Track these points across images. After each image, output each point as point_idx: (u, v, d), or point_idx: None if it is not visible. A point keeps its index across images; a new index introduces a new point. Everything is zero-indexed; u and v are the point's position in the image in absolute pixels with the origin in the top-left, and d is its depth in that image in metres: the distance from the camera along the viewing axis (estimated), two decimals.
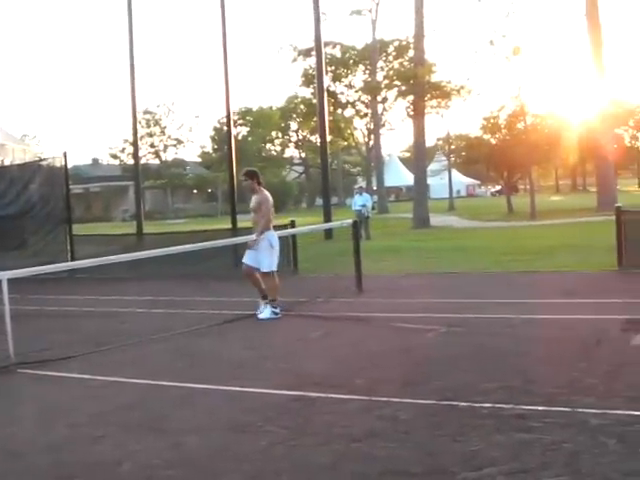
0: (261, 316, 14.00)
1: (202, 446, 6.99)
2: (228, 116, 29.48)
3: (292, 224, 21.11)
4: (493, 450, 6.36)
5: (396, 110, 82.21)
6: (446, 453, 6.41)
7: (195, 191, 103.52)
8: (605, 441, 6.41)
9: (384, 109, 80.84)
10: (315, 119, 54.57)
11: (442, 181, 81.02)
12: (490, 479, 5.77)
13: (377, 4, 78.66)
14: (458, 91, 49.03)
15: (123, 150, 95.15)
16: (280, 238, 15.10)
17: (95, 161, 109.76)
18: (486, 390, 8.09)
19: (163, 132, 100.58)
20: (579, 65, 74.25)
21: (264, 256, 14.10)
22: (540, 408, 7.38)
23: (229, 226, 25.09)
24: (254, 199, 14.27)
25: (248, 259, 14.21)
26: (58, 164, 25.50)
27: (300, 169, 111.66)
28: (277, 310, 14.05)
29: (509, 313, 13.23)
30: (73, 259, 23.28)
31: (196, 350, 11.67)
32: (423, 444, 6.67)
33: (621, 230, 18.28)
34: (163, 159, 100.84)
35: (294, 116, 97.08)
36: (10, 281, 11.27)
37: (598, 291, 15.56)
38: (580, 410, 7.22)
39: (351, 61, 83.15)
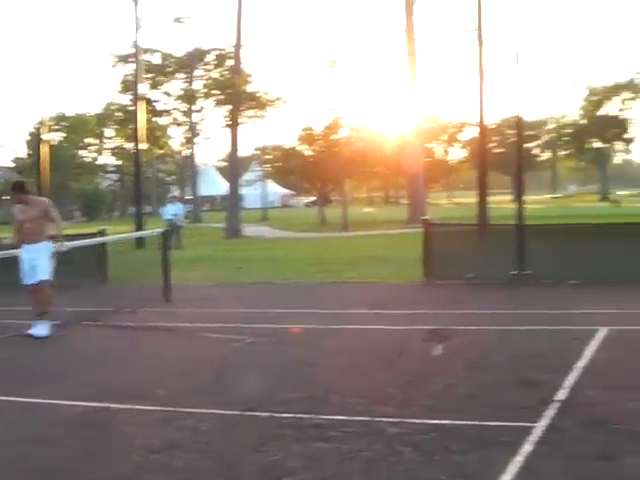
0: (36, 332, 12.87)
1: None
2: (40, 121, 28.85)
3: (102, 232, 20.72)
4: (292, 460, 6.41)
5: (214, 119, 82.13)
6: (245, 463, 6.43)
7: (6, 197, 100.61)
8: (401, 449, 6.55)
9: (201, 118, 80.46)
10: (131, 126, 53.93)
11: (257, 191, 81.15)
12: None
13: (197, 13, 78.52)
14: (274, 102, 49.41)
15: None
16: (90, 247, 14.66)
17: None
18: (288, 400, 8.14)
19: None
20: (395, 80, 75.88)
21: (45, 264, 13.11)
22: (339, 417, 7.48)
23: None
24: (32, 208, 13.21)
25: (28, 278, 13.12)
26: None
27: (115, 177, 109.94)
28: (52, 324, 13.23)
29: (316, 323, 13.36)
30: None
31: None
32: (223, 455, 6.67)
33: (427, 242, 18.74)
34: None
35: (110, 123, 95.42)
36: None
37: (405, 302, 15.90)
38: (378, 419, 7.36)
39: (170, 69, 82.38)
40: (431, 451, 6.50)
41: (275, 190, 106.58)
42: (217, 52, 78.35)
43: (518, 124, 21.16)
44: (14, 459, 6.79)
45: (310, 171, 55.94)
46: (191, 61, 78.10)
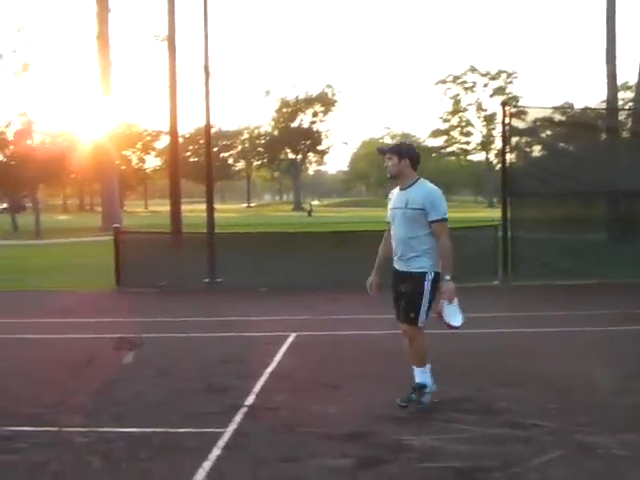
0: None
1: None
2: None
3: None
4: None
5: None
6: None
7: None
8: (89, 459, 6.47)
9: None
10: None
11: None
12: None
13: None
14: None
15: None
16: None
17: None
18: None
19: None
20: (90, 85, 74.93)
21: None
22: (26, 429, 7.30)
23: None
24: None
25: None
26: None
27: None
28: None
29: (1, 333, 13.02)
30: None
31: None
32: None
33: (119, 250, 18.60)
34: None
35: None
36: None
37: (95, 310, 15.64)
38: (66, 429, 7.24)
39: None
40: (119, 459, 6.46)
41: None
42: None
43: (207, 132, 21.36)
44: None
45: (1, 177, 54.24)
46: None
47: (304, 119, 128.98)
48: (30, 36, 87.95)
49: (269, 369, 9.76)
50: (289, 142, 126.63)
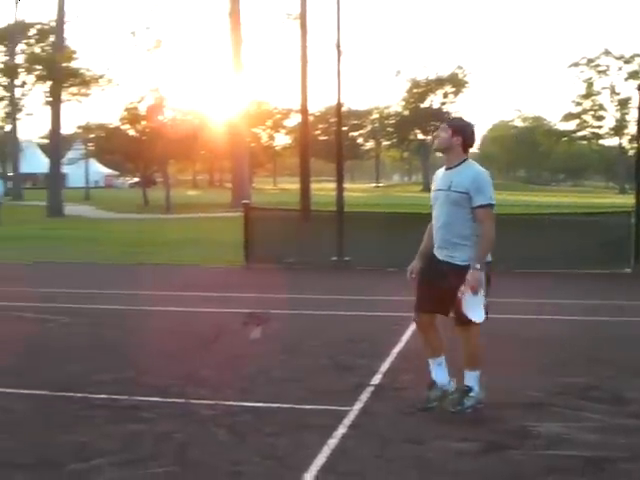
0: None
1: None
2: None
3: None
4: (104, 441, 6.30)
5: (37, 95, 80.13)
6: (57, 445, 6.28)
7: None
8: (215, 431, 6.53)
9: (23, 93, 78.27)
10: None
11: (81, 170, 79.53)
12: (98, 470, 5.71)
13: None
14: (97, 80, 48.57)
15: None
16: None
17: None
18: (102, 381, 8.02)
19: None
20: (221, 63, 75.81)
21: None
22: (154, 399, 7.41)
23: None
24: None
25: None
26: None
27: None
28: None
29: (130, 305, 13.32)
30: None
31: None
32: (34, 435, 6.51)
33: (248, 226, 18.78)
34: None
35: None
36: None
37: (224, 285, 15.88)
38: (193, 401, 7.33)
39: None
40: (244, 433, 6.50)
41: (100, 170, 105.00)
42: (39, 26, 76.42)
43: (338, 111, 21.41)
44: None
45: (134, 151, 55.26)
46: (12, 34, 75.77)
47: (434, 100, 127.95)
48: (163, 13, 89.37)
49: (396, 349, 9.74)
50: (419, 123, 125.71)
